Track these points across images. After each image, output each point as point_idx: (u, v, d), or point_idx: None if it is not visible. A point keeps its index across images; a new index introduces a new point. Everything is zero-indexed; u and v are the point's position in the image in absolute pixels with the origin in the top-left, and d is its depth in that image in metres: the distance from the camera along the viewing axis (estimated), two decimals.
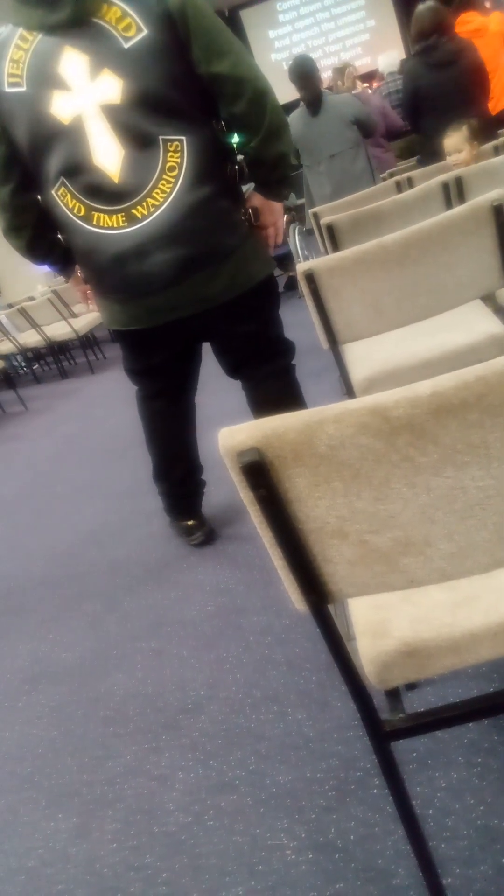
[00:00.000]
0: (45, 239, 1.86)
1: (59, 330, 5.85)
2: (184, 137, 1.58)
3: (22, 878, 1.32)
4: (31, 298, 6.40)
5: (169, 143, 1.58)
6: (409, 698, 1.35)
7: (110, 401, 4.58)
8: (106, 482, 3.19)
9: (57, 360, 6.39)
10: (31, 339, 6.16)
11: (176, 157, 1.59)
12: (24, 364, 7.23)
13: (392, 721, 0.83)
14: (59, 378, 6.32)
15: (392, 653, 0.83)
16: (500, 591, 0.84)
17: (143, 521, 2.58)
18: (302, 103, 4.15)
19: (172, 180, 1.60)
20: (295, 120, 4.22)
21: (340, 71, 5.07)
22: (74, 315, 5.80)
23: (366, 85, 6.37)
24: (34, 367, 7.00)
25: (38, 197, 1.77)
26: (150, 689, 1.70)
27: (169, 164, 1.59)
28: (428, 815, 1.14)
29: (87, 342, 6.27)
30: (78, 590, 2.30)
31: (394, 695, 0.95)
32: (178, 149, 1.58)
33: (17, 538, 2.95)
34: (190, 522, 2.24)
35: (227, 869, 1.19)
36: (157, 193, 1.61)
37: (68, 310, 5.73)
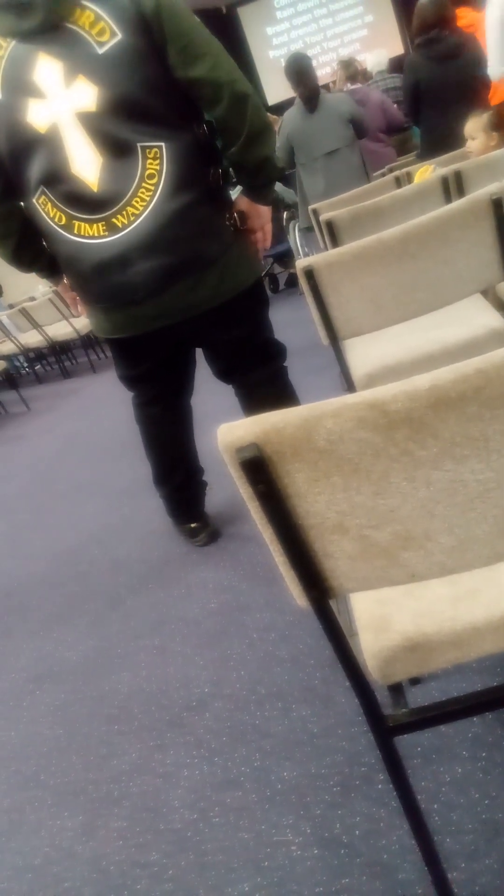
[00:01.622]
0: (30, 247, 1.83)
1: (61, 330, 5.86)
2: (163, 144, 1.55)
3: (28, 876, 1.33)
4: (32, 299, 6.41)
5: (147, 150, 1.55)
6: (413, 693, 1.35)
7: (112, 400, 4.57)
8: (107, 481, 3.19)
9: (58, 359, 6.41)
10: (32, 339, 6.17)
11: (155, 165, 1.56)
12: (25, 364, 7.25)
13: (396, 716, 0.83)
14: (60, 378, 6.33)
15: (394, 648, 0.83)
16: (501, 585, 0.84)
17: (145, 520, 2.58)
18: (298, 100, 4.13)
19: (152, 188, 1.57)
20: (291, 117, 4.21)
21: (346, 64, 5.03)
22: (75, 315, 5.78)
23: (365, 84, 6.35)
24: (36, 367, 7.02)
25: (22, 204, 1.74)
26: (154, 686, 1.70)
27: (148, 172, 1.56)
28: (433, 810, 1.14)
29: (89, 341, 6.28)
30: (80, 588, 2.30)
31: (397, 690, 0.94)
32: (157, 156, 1.55)
33: (19, 537, 2.95)
34: (193, 525, 2.24)
35: (233, 865, 1.19)
36: (137, 202, 1.58)
37: (69, 309, 5.72)
